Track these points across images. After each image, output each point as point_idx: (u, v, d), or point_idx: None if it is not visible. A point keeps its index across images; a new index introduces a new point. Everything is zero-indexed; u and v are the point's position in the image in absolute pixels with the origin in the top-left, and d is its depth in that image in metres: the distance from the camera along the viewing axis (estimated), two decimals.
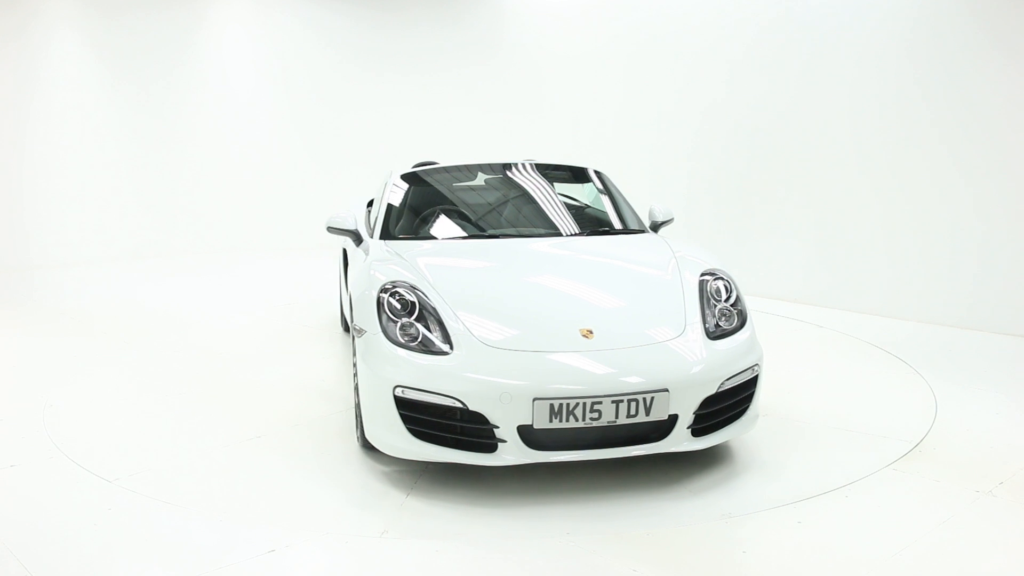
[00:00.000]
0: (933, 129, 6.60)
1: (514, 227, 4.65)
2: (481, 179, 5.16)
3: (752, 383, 3.59)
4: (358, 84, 11.08)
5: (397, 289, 3.59)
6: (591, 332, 3.41)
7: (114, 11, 9.82)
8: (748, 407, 3.61)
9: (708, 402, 3.38)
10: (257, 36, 10.82)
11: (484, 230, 4.60)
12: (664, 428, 3.31)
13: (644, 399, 3.21)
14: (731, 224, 8.07)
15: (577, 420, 3.17)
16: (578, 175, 5.19)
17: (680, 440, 3.33)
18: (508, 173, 5.12)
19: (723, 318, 3.67)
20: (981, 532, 3.13)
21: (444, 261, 4.07)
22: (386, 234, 4.53)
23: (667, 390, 3.24)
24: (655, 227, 4.81)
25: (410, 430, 3.33)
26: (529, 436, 3.21)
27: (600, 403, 3.17)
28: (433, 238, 4.49)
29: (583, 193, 5.18)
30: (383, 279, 3.66)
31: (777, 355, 5.63)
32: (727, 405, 3.49)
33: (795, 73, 7.43)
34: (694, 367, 3.36)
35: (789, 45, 7.45)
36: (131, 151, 10.11)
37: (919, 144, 6.69)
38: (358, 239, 4.61)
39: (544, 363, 3.27)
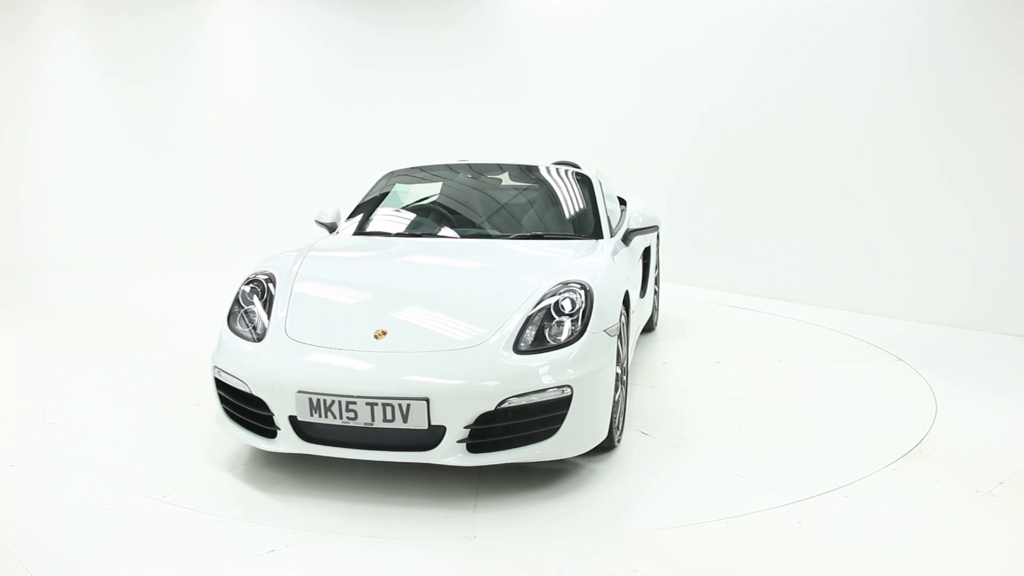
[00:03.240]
0: (933, 129, 6.60)
1: (453, 227, 4.70)
2: (459, 179, 5.25)
3: (562, 404, 3.31)
4: (358, 84, 11.08)
5: (260, 279, 3.91)
6: (384, 333, 3.44)
7: (114, 11, 9.83)
8: (559, 428, 3.32)
9: (488, 418, 3.21)
10: (257, 36, 10.82)
11: (423, 229, 4.73)
12: (434, 438, 3.22)
13: (400, 405, 3.17)
14: (730, 224, 8.07)
15: (335, 417, 3.23)
16: (575, 175, 5.17)
17: (450, 453, 3.21)
18: (484, 175, 5.23)
19: (554, 333, 3.43)
20: (981, 532, 3.13)
21: (334, 256, 4.32)
22: (353, 229, 4.83)
23: (427, 399, 3.17)
24: (628, 235, 4.64)
25: (224, 410, 3.63)
26: (300, 427, 3.34)
27: (355, 403, 3.20)
28: (371, 234, 4.74)
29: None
30: (256, 270, 4.00)
31: (776, 355, 5.64)
32: (522, 423, 3.27)
33: (796, 73, 7.44)
34: (465, 379, 3.22)
35: (789, 46, 7.45)
36: (131, 151, 10.11)
37: (919, 144, 6.69)
38: (332, 232, 4.93)
39: (317, 358, 3.38)
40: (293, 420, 3.32)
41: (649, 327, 6.08)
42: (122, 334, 6.20)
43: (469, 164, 5.38)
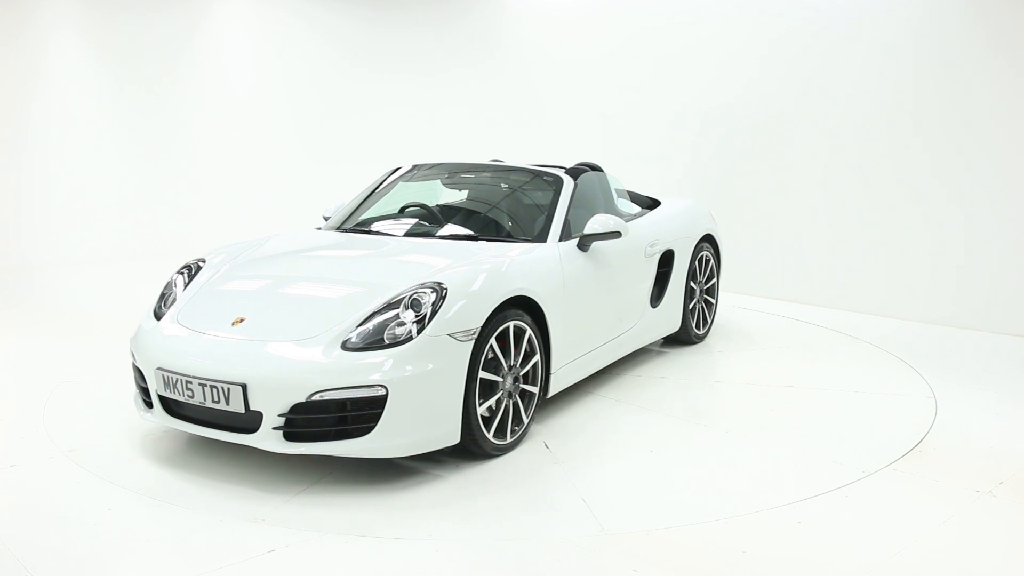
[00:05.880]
0: (935, 130, 6.60)
1: (400, 227, 4.77)
2: (445, 179, 5.28)
3: (377, 402, 3.31)
4: (358, 83, 11.08)
5: (192, 265, 4.21)
6: (242, 320, 3.64)
7: (114, 10, 9.82)
8: (375, 426, 3.31)
9: (302, 408, 3.30)
10: (257, 35, 10.82)
11: (371, 227, 4.79)
12: (255, 423, 3.37)
13: (222, 388, 3.38)
14: (730, 224, 8.06)
15: (180, 394, 3.50)
16: (545, 178, 4.98)
17: (267, 439, 3.36)
18: (469, 174, 5.25)
19: (392, 331, 3.41)
20: (981, 532, 3.14)
21: (270, 248, 4.47)
22: (331, 224, 5.00)
23: (244, 385, 3.33)
24: (584, 241, 4.45)
25: (136, 385, 3.95)
26: (167, 402, 3.63)
27: (191, 383, 3.45)
28: (329, 230, 4.89)
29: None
30: (196, 258, 4.31)
31: (777, 355, 5.64)
32: (337, 417, 3.33)
33: (799, 75, 7.44)
34: (280, 369, 3.35)
35: (793, 47, 7.45)
36: (131, 150, 10.11)
37: (920, 144, 6.69)
38: None
39: (179, 339, 3.66)
40: (159, 394, 3.62)
41: (686, 339, 5.72)
42: (122, 334, 6.19)
43: (454, 164, 5.41)
